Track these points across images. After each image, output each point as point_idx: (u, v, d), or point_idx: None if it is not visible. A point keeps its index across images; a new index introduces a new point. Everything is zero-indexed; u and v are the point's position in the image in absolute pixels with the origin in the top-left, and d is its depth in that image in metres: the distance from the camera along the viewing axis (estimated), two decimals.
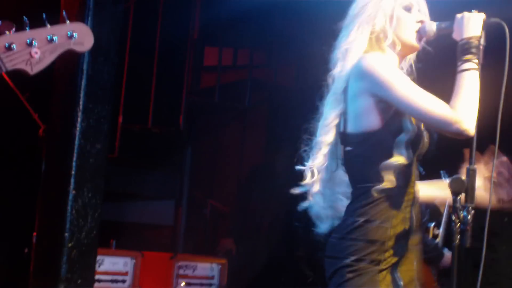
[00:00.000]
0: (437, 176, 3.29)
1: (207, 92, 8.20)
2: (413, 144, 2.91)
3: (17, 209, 6.17)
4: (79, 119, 4.64)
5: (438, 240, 4.41)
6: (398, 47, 3.02)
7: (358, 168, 2.95)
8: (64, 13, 2.37)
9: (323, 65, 3.08)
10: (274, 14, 7.82)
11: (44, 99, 5.00)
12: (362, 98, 2.91)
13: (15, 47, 2.29)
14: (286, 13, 7.68)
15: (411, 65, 3.12)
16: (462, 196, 2.73)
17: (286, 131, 7.54)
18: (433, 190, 3.24)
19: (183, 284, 6.47)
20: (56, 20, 2.42)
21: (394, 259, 2.89)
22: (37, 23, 2.34)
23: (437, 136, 3.04)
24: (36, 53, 2.31)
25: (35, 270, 4.83)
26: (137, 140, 7.43)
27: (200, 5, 7.95)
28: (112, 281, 6.10)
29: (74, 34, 2.35)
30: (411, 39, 3.02)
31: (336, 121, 2.98)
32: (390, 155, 2.89)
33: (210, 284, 6.65)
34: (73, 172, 4.63)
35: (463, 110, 2.79)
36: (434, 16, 3.09)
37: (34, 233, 5.04)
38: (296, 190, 3.07)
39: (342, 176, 3.06)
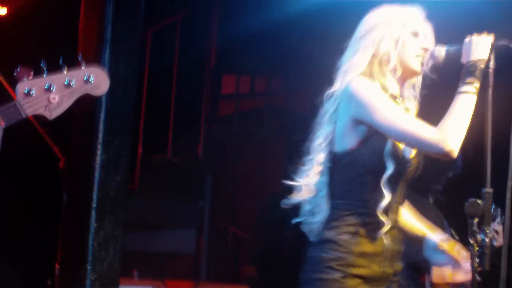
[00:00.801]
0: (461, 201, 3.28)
1: (226, 120, 8.23)
2: (395, 173, 2.93)
3: (39, 241, 6.20)
4: (98, 152, 4.67)
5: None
6: (399, 73, 3.04)
7: (333, 185, 3.01)
8: (80, 57, 2.38)
9: None
10: (291, 40, 7.86)
11: (64, 132, 5.04)
12: (345, 119, 2.95)
13: (34, 93, 2.32)
14: (303, 38, 7.71)
15: (414, 89, 3.12)
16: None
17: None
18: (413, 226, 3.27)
19: None
20: (74, 56, 2.45)
21: (362, 275, 2.92)
22: (55, 62, 2.37)
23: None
24: (54, 98, 2.34)
25: None
26: (157, 170, 7.46)
27: (217, 33, 8.00)
28: None
29: (90, 78, 2.39)
30: (414, 64, 3.03)
31: (327, 141, 3.02)
32: (361, 175, 2.93)
33: None
34: (94, 205, 4.65)
35: (448, 131, 2.81)
36: (443, 40, 3.09)
37: (57, 265, 5.05)
38: (286, 203, 3.12)
39: None
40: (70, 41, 5.00)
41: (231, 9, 7.87)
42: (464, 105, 2.84)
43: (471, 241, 2.70)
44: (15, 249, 6.25)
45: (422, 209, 3.47)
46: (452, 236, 4.85)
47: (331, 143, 3.01)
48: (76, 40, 4.95)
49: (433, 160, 3.17)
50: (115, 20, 4.78)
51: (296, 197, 3.10)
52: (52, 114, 2.36)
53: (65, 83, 2.36)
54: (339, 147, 2.98)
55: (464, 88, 2.86)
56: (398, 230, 3.05)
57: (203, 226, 7.96)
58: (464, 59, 2.92)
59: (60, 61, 2.33)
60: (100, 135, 4.69)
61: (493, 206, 5.14)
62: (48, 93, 2.34)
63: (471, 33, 2.95)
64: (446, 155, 2.82)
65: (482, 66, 2.85)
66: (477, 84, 2.85)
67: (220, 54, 8.03)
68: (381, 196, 2.92)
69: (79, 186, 4.83)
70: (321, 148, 3.02)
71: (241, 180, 8.32)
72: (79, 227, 4.74)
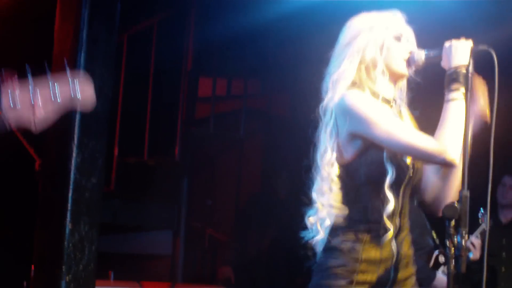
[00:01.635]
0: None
1: (202, 122, 8.24)
2: (396, 179, 2.95)
3: (14, 242, 6.18)
4: (74, 154, 4.67)
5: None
6: (387, 77, 3.06)
7: (336, 193, 3.01)
8: (68, 71, 2.39)
9: (317, 94, 3.11)
10: (268, 43, 7.88)
11: (39, 134, 5.02)
12: (343, 134, 2.96)
13: (19, 106, 2.32)
14: (280, 41, 7.74)
15: (401, 92, 3.15)
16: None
17: (282, 160, 7.58)
18: None
19: None
20: (50, 58, 2.45)
21: (368, 281, 2.94)
22: (31, 65, 2.37)
23: None
24: (40, 113, 2.34)
25: None
26: (133, 172, 7.45)
27: (193, 36, 8.01)
28: None
29: (77, 95, 2.39)
30: (401, 67, 3.06)
31: (335, 154, 3.01)
32: (363, 184, 2.95)
33: None
34: (69, 206, 4.66)
35: (447, 140, 2.84)
36: (424, 43, 3.13)
37: (32, 266, 5.05)
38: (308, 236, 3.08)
39: None
40: (45, 43, 5.00)
41: (208, 12, 7.89)
42: (456, 112, 2.87)
43: (448, 244, 2.72)
44: None
45: None
46: (434, 239, 4.89)
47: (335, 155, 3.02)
48: (52, 41, 4.95)
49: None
50: (91, 22, 4.79)
51: (314, 219, 3.05)
52: (37, 128, 2.36)
53: (52, 98, 2.35)
54: (340, 159, 3.00)
55: (451, 95, 2.89)
56: (407, 235, 3.07)
57: (179, 228, 7.96)
58: (445, 64, 2.95)
59: (46, 66, 2.34)
60: (76, 137, 4.69)
61: (481, 211, 5.17)
62: (34, 108, 2.33)
63: (448, 37, 2.98)
64: (449, 164, 2.88)
65: (464, 71, 2.88)
66: (463, 89, 2.87)
67: (196, 57, 8.05)
68: (384, 202, 2.94)
69: (55, 187, 4.83)
70: (332, 162, 3.01)
71: (218, 182, 8.33)
72: (54, 228, 4.74)
